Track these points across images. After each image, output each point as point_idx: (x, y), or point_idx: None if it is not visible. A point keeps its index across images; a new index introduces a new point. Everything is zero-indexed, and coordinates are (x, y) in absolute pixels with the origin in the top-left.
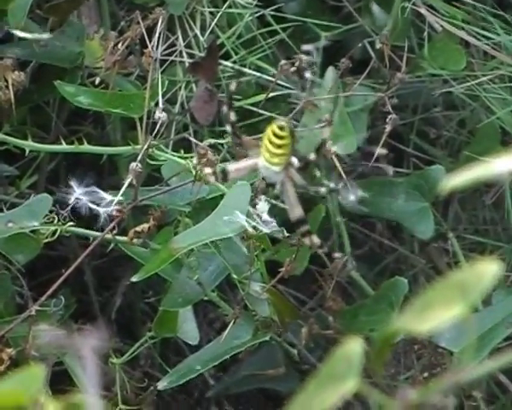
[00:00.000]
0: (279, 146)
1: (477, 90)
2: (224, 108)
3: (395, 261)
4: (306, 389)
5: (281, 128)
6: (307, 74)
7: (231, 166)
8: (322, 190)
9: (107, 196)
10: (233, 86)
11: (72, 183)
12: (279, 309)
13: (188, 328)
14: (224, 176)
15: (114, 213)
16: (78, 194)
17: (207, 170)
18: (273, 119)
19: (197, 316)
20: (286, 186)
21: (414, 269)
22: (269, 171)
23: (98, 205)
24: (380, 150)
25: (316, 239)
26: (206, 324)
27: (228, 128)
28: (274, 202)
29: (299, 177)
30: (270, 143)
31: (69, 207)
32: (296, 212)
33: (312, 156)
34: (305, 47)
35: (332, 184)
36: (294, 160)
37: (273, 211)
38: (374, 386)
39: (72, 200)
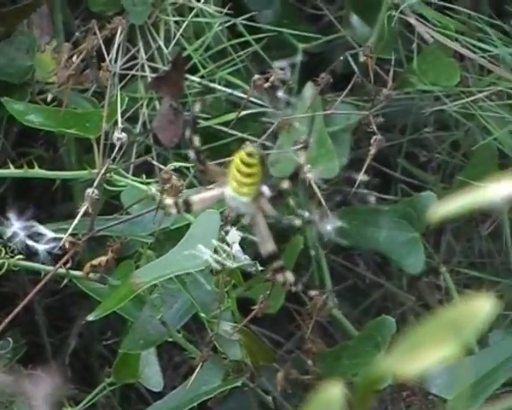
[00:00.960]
0: (248, 175)
1: (472, 108)
2: (187, 132)
3: (381, 298)
4: None
5: (250, 155)
6: (280, 93)
7: (195, 197)
8: (297, 222)
9: (48, 233)
10: (197, 107)
11: (11, 215)
12: (252, 351)
13: (151, 373)
14: (187, 207)
15: (67, 245)
16: (16, 228)
17: (168, 201)
18: (244, 141)
19: (161, 359)
20: (256, 218)
21: (402, 307)
22: (237, 201)
23: (37, 241)
24: (363, 176)
25: (290, 276)
26: (171, 368)
27: (191, 154)
28: (244, 234)
29: (271, 207)
30: (238, 171)
31: (9, 241)
32: (268, 246)
33: (286, 185)
34: (279, 64)
35: (308, 215)
36: (265, 189)
37: (245, 242)
38: None
39: (8, 234)
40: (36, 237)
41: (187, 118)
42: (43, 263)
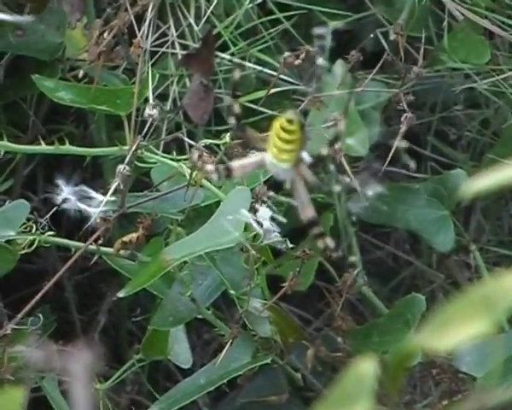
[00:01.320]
0: (288, 141)
1: (502, 85)
2: (227, 99)
3: (411, 276)
4: None
5: (290, 122)
6: (318, 61)
7: (235, 163)
8: (336, 188)
9: (99, 196)
10: (236, 75)
11: (60, 181)
12: (282, 329)
13: (180, 350)
14: (228, 173)
15: (99, 221)
16: (67, 193)
17: (209, 167)
18: (275, 117)
19: (190, 337)
20: (296, 185)
21: (432, 285)
22: (277, 168)
23: (89, 206)
24: (398, 145)
25: (330, 241)
26: (200, 345)
27: (231, 121)
28: (282, 199)
29: (311, 174)
30: (279, 138)
31: (51, 212)
32: (308, 212)
33: (324, 151)
34: (318, 30)
35: (344, 182)
36: (305, 155)
37: (275, 220)
38: None
39: (59, 200)
40: (86, 202)
41: (217, 95)
42: (94, 227)
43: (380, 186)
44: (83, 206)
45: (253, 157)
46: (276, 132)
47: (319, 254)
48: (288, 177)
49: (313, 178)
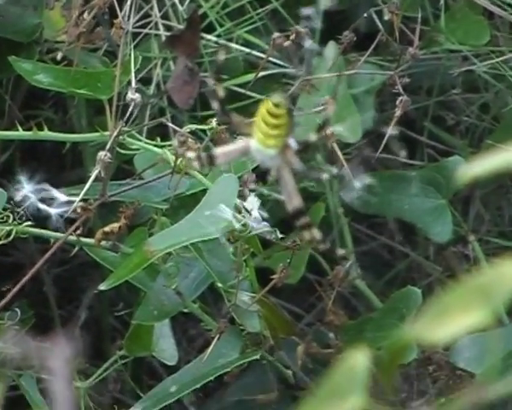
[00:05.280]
0: (275, 126)
1: (502, 68)
2: (211, 83)
3: (407, 269)
4: (303, 407)
5: (277, 106)
6: (307, 44)
7: (219, 150)
8: (324, 176)
9: (61, 196)
10: (221, 56)
11: (22, 177)
12: (271, 324)
13: (165, 346)
14: (211, 161)
15: (79, 210)
16: (28, 191)
17: (190, 154)
18: (264, 101)
19: (175, 332)
20: (283, 172)
21: (429, 278)
22: (263, 154)
23: (50, 205)
24: (391, 132)
25: (317, 233)
26: (186, 341)
27: (215, 106)
28: (266, 192)
29: (298, 161)
30: (265, 122)
31: (20, 205)
32: (294, 201)
33: (313, 138)
34: (306, 11)
35: (335, 170)
36: (292, 141)
37: (265, 208)
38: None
39: (19, 197)
40: (47, 201)
41: (203, 78)
42: (55, 229)
43: (370, 176)
44: (42, 206)
45: (237, 143)
46: (262, 117)
47: (309, 243)
48: (275, 164)
49: (301, 165)
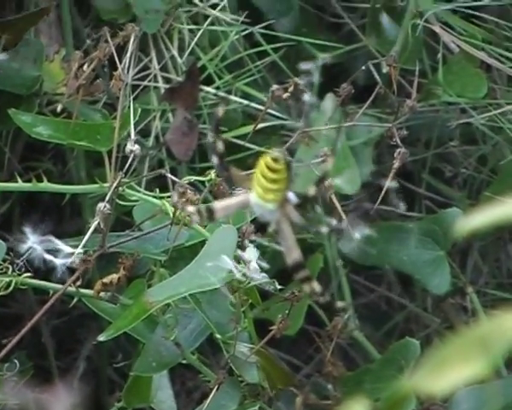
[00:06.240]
0: (274, 180)
1: (500, 121)
2: (210, 137)
3: (405, 320)
4: None
5: (275, 160)
6: (306, 97)
7: (218, 204)
8: (323, 229)
9: (66, 247)
10: (220, 111)
11: (27, 229)
12: (270, 375)
13: (163, 397)
14: (210, 215)
15: (78, 262)
16: (33, 242)
17: (190, 208)
18: (262, 153)
19: (174, 383)
20: (282, 226)
21: (427, 329)
22: (262, 208)
23: (55, 256)
24: (390, 184)
25: (316, 286)
26: (185, 393)
27: (214, 160)
28: (266, 243)
29: (297, 215)
30: (264, 177)
31: (24, 257)
32: (294, 255)
33: (312, 191)
34: (304, 66)
35: (334, 222)
36: (291, 196)
37: (264, 258)
38: None
39: (24, 249)
40: (52, 252)
41: (202, 131)
42: (60, 280)
43: (368, 228)
44: (48, 257)
45: (237, 197)
46: (261, 171)
47: (308, 296)
48: (274, 218)
49: (300, 218)
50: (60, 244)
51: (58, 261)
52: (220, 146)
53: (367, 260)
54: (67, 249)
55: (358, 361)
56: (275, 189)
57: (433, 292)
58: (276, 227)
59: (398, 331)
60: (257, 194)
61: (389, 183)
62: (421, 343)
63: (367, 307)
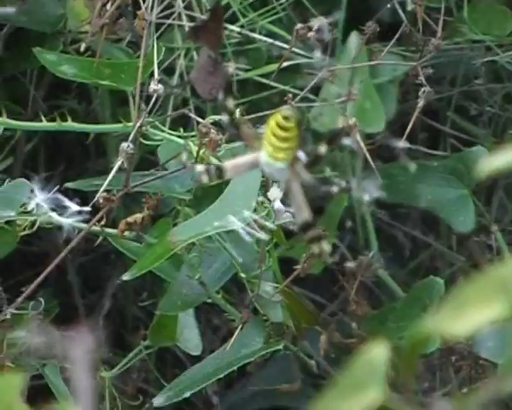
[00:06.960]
0: (284, 139)
1: None
2: (220, 94)
3: (430, 258)
4: (323, 399)
5: (286, 118)
6: (330, 34)
7: (227, 163)
8: (334, 189)
9: (73, 206)
10: (232, 66)
11: (35, 185)
12: (294, 313)
13: (188, 336)
14: (220, 174)
15: (102, 201)
16: (40, 199)
17: (199, 167)
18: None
19: (199, 322)
20: (292, 185)
21: (451, 267)
22: (272, 167)
23: (61, 215)
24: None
25: (326, 246)
26: (210, 331)
27: (224, 118)
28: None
29: (308, 174)
30: (274, 135)
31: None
32: (303, 215)
33: (322, 150)
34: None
35: (344, 183)
36: (302, 154)
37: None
38: (405, 401)
39: (31, 206)
40: (60, 209)
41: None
42: (67, 239)
43: (393, 167)
44: (55, 216)
45: (247, 156)
46: (272, 130)
47: (318, 257)
48: (283, 177)
49: (310, 177)
50: (67, 202)
51: (64, 220)
52: (230, 103)
53: (392, 199)
54: (75, 208)
55: (383, 300)
56: (285, 147)
57: (458, 230)
58: (285, 187)
59: (423, 270)
60: (267, 153)
61: (411, 125)
62: (446, 282)
63: (392, 246)
